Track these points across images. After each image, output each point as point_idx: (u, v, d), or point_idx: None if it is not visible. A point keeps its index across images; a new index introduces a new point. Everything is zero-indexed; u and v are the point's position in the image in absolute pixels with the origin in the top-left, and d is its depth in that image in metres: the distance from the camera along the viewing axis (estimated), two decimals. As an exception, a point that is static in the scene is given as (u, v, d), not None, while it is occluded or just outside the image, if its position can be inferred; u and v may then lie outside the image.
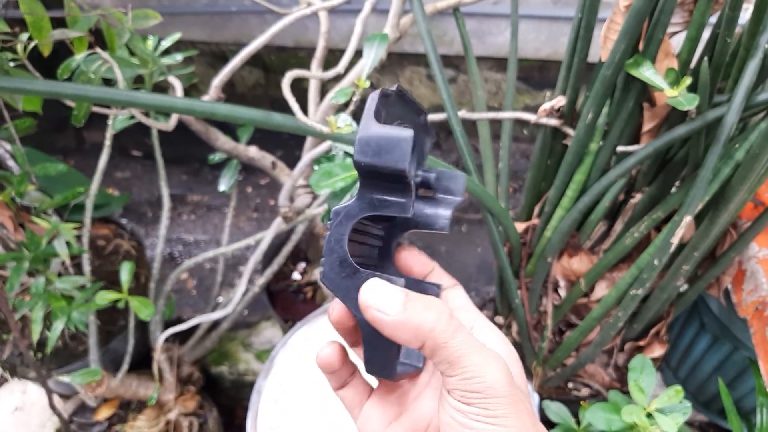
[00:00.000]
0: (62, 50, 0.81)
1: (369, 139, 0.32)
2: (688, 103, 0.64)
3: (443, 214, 0.38)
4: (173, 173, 1.92)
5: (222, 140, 0.96)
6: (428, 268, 0.41)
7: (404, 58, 1.81)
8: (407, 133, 0.32)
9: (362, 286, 0.33)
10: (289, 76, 0.75)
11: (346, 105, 0.84)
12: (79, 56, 0.75)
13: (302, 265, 1.35)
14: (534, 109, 0.85)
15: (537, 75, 1.84)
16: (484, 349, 0.32)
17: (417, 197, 0.39)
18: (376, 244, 0.41)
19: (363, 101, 0.84)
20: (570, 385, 1.01)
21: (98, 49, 0.74)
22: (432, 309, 0.32)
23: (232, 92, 1.94)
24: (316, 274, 1.27)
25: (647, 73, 0.68)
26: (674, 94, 0.66)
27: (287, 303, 1.27)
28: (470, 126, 0.87)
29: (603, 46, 0.79)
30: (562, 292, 0.95)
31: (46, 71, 0.82)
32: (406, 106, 0.39)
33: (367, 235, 0.40)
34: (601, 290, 0.93)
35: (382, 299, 0.32)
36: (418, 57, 1.79)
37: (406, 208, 0.34)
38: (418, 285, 0.40)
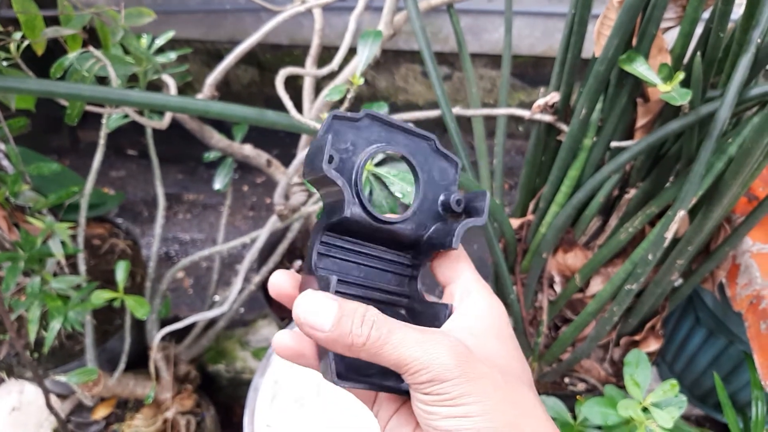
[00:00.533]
0: (57, 49, 0.81)
1: (306, 155, 0.37)
2: (681, 98, 0.64)
3: (451, 231, 0.38)
4: (169, 172, 1.91)
5: (216, 138, 0.96)
6: (456, 274, 0.40)
7: (399, 55, 1.80)
8: (323, 139, 0.35)
9: (296, 300, 0.33)
10: (283, 73, 0.75)
11: (340, 102, 0.84)
12: (72, 55, 0.75)
13: (298, 262, 1.35)
14: (529, 106, 0.85)
15: (532, 71, 1.85)
16: (426, 339, 0.32)
17: (444, 221, 0.40)
18: (405, 273, 0.42)
19: (357, 99, 0.83)
20: (566, 380, 1.01)
21: (91, 48, 0.74)
22: (365, 322, 0.32)
23: (227, 91, 1.94)
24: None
25: (640, 68, 0.68)
26: (667, 90, 0.66)
27: (284, 301, 1.27)
28: (465, 122, 0.87)
29: (596, 41, 0.79)
30: (558, 288, 0.95)
31: (41, 70, 0.81)
32: (391, 131, 0.39)
33: (389, 262, 0.41)
34: (596, 285, 0.93)
35: (314, 315, 0.32)
36: (413, 54, 1.79)
37: (343, 209, 0.36)
38: (430, 307, 0.40)
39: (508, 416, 0.32)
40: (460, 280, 0.39)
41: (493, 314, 0.37)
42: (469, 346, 0.33)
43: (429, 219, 0.40)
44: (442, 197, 0.40)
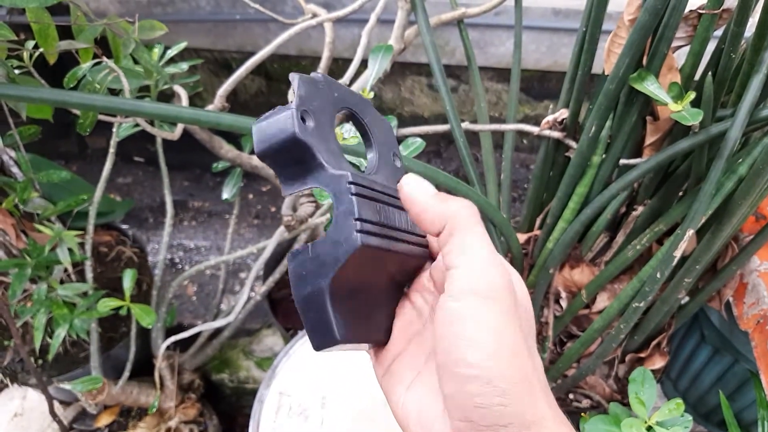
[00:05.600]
0: (67, 57, 0.81)
1: (258, 128, 0.33)
2: (693, 118, 0.64)
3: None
4: (175, 179, 1.92)
5: (226, 149, 0.97)
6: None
7: (405, 67, 1.81)
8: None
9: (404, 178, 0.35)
10: (295, 86, 0.75)
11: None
12: (85, 65, 0.75)
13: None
14: (533, 119, 0.86)
15: (537, 85, 1.85)
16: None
17: None
18: None
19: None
20: (570, 396, 1.01)
21: (105, 59, 0.74)
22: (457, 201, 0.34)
23: (234, 100, 1.94)
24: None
25: (651, 87, 0.69)
26: (678, 109, 0.66)
27: (289, 311, 1.27)
28: (470, 135, 0.88)
29: (606, 59, 0.79)
30: (564, 303, 0.95)
31: (50, 77, 0.82)
32: (340, 91, 0.38)
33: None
34: (602, 301, 0.93)
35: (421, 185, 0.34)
36: (420, 66, 1.80)
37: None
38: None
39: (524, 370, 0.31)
40: (455, 239, 0.34)
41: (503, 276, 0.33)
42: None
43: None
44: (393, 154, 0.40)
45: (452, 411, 0.31)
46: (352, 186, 0.32)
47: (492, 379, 0.29)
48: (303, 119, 0.33)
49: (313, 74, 0.36)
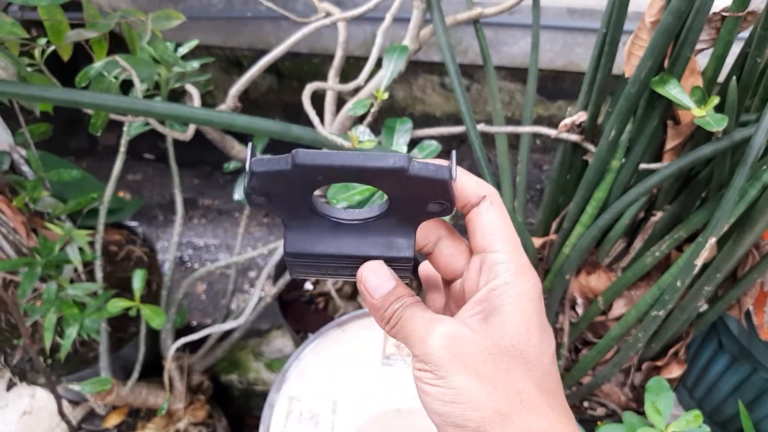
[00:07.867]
0: (80, 55, 0.80)
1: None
2: (717, 124, 0.63)
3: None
4: (185, 177, 1.91)
5: (237, 149, 0.96)
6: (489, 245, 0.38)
7: (418, 66, 1.79)
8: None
9: (370, 263, 0.36)
10: (309, 88, 0.74)
11: (363, 116, 0.83)
12: (98, 64, 0.74)
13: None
14: (547, 120, 0.84)
15: (551, 85, 1.83)
16: (430, 318, 0.35)
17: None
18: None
19: (381, 112, 0.82)
20: (585, 404, 0.99)
21: (117, 57, 0.73)
22: (399, 301, 0.36)
23: (245, 98, 1.92)
24: (329, 284, 1.26)
25: (674, 91, 0.67)
26: (702, 114, 0.64)
27: (299, 313, 1.26)
28: (483, 135, 0.86)
29: (627, 62, 0.77)
30: (580, 310, 0.93)
31: (63, 75, 0.81)
32: (339, 172, 0.31)
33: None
34: (619, 308, 0.91)
35: (373, 283, 0.36)
36: (432, 65, 1.78)
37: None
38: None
39: (498, 405, 0.32)
40: (495, 254, 0.36)
41: (523, 296, 0.34)
42: (475, 329, 0.34)
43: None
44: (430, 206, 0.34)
45: None
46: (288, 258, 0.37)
47: (455, 420, 0.33)
48: (263, 197, 0.33)
49: (283, 162, 0.30)
